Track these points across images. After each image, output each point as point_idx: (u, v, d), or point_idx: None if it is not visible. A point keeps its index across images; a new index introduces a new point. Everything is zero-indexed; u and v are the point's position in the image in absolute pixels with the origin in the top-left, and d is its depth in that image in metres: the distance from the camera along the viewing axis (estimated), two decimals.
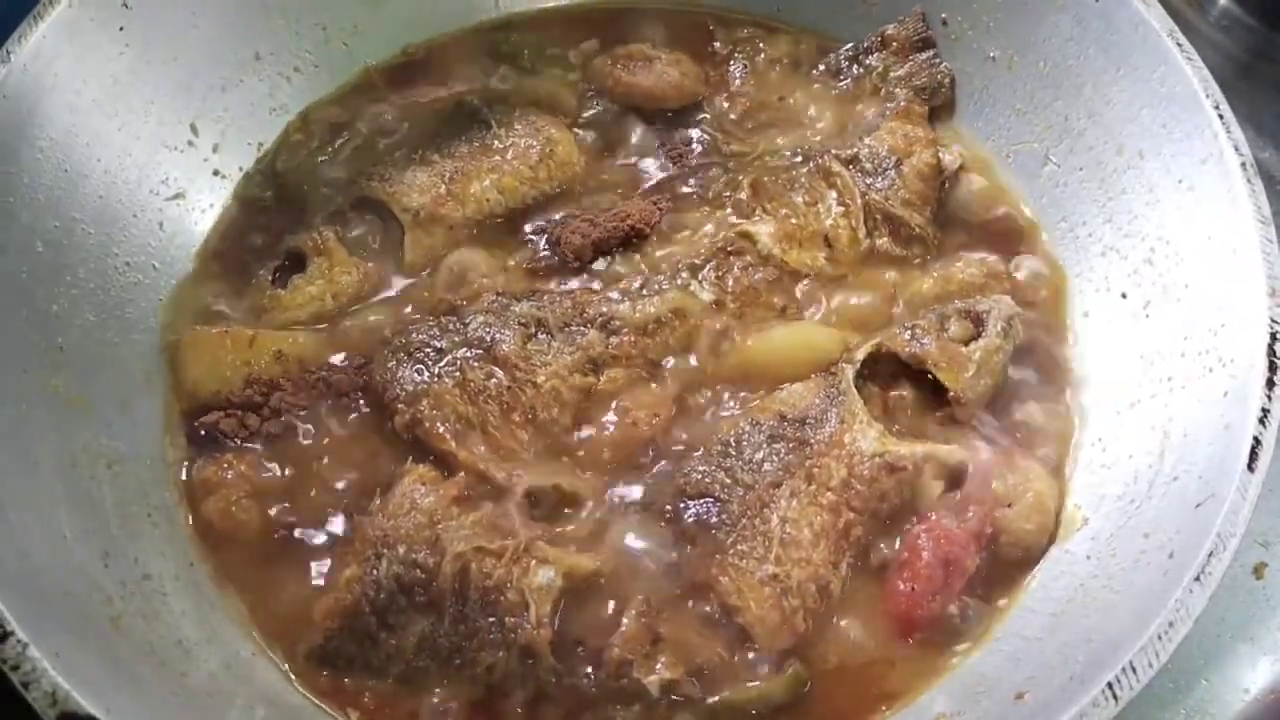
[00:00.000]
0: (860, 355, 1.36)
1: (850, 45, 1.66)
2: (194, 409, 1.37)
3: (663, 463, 1.32)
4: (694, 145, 1.60)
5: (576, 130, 1.60)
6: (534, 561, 1.22)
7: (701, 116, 1.62)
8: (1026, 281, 1.47)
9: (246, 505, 1.31)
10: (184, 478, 1.34)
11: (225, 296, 1.46)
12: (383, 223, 1.50)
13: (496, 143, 1.54)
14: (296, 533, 1.30)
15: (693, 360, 1.39)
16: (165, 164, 1.47)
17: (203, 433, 1.35)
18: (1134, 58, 1.39)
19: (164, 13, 1.43)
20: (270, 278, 1.46)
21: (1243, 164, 1.26)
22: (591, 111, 1.62)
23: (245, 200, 1.54)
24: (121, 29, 1.39)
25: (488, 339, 1.35)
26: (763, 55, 1.68)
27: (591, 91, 1.64)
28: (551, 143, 1.55)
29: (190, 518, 1.32)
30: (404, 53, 1.68)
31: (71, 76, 1.34)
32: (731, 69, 1.67)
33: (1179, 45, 1.35)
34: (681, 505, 1.27)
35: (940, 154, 1.54)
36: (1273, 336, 1.17)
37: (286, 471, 1.34)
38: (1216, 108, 1.30)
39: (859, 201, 1.49)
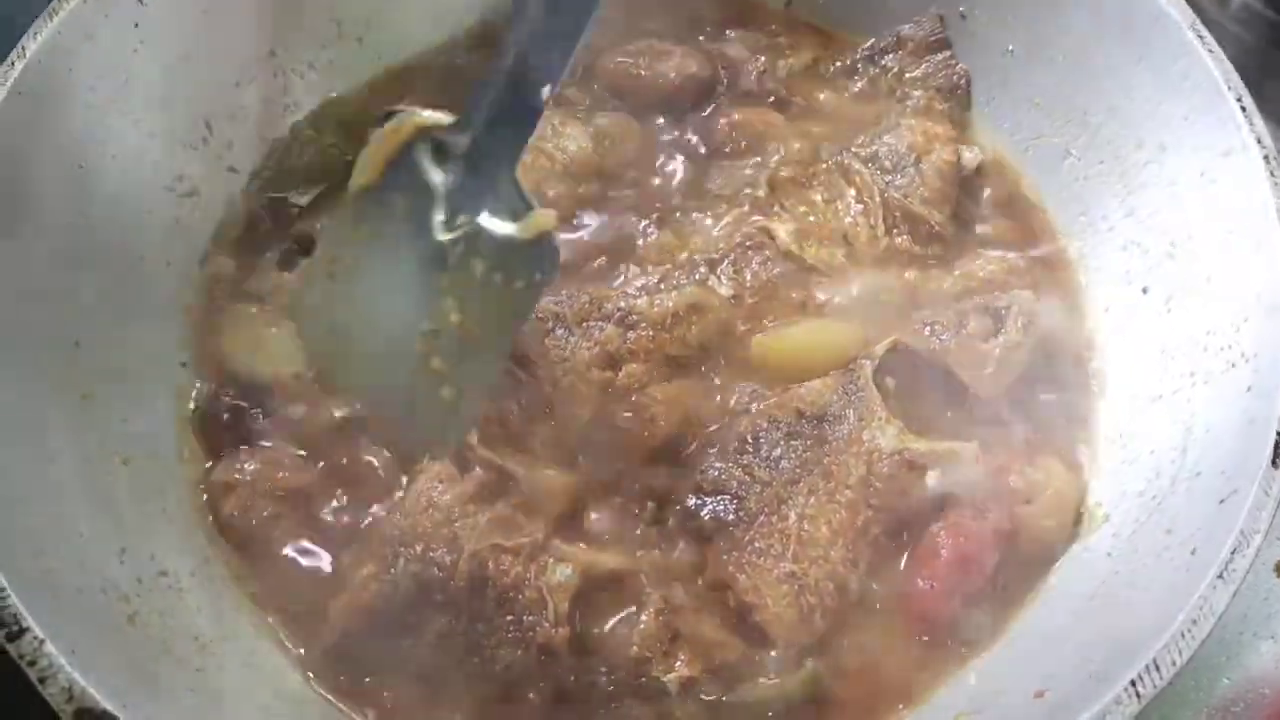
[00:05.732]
0: (879, 351, 1.35)
1: (867, 45, 1.65)
2: (215, 399, 1.37)
3: (680, 459, 1.31)
4: (711, 142, 1.58)
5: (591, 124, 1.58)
6: (551, 559, 1.22)
7: (719, 112, 1.60)
8: None
9: (264, 502, 1.30)
10: (202, 474, 1.34)
11: (237, 287, 1.46)
12: None
13: None
14: (314, 530, 1.30)
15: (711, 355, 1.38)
16: (180, 160, 1.46)
17: (222, 429, 1.35)
18: (1154, 50, 1.38)
19: (178, 9, 1.42)
20: (276, 261, 1.46)
21: (1265, 156, 1.25)
22: (606, 106, 1.61)
23: (257, 196, 1.53)
24: (136, 25, 1.38)
25: None
26: (779, 54, 1.67)
27: (605, 92, 1.62)
28: (565, 137, 1.54)
29: (208, 514, 1.32)
30: (418, 49, 1.67)
31: (86, 73, 1.33)
32: (748, 68, 1.65)
33: (1200, 37, 1.33)
34: (699, 502, 1.26)
35: (960, 151, 1.53)
36: None
37: (305, 468, 1.33)
38: (1239, 100, 1.29)
39: (878, 199, 1.48)
